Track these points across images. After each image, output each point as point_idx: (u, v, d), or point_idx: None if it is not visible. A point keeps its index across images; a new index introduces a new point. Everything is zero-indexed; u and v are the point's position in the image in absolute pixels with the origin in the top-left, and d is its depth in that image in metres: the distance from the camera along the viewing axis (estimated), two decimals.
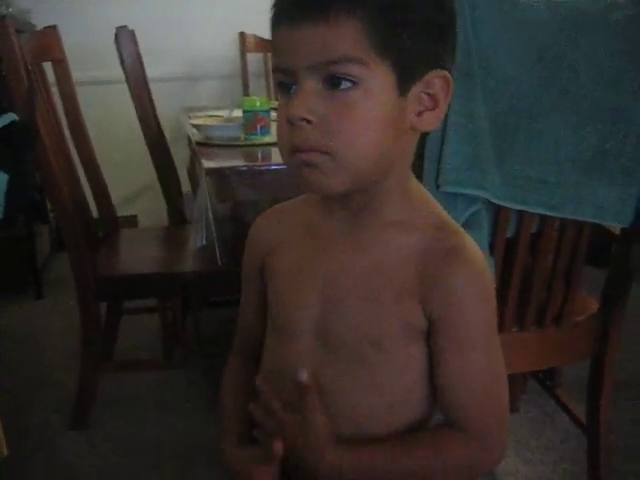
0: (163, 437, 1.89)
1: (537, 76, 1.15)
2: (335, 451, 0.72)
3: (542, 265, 1.33)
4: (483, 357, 0.73)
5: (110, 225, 2.19)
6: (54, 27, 2.07)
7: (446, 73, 0.69)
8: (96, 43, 2.83)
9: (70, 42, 2.12)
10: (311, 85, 0.66)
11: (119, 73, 2.37)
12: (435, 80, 0.68)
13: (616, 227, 1.34)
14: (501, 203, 1.19)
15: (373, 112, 0.66)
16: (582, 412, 1.58)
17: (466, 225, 1.18)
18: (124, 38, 2.35)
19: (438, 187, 1.12)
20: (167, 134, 2.61)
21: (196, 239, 1.50)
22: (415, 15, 0.65)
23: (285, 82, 0.69)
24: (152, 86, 2.55)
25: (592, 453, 1.54)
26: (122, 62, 2.34)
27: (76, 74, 2.11)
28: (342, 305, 0.74)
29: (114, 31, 2.32)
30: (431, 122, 0.70)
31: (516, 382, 1.93)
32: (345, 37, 0.63)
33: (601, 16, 1.16)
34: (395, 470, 0.73)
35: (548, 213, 1.23)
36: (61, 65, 2.04)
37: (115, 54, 2.34)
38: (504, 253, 1.29)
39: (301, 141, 0.67)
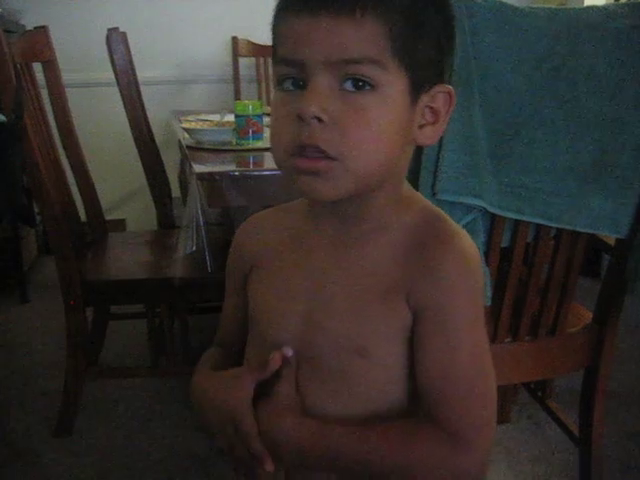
0: (149, 445, 1.86)
1: (535, 85, 1.13)
2: (296, 418, 0.69)
3: (537, 275, 1.32)
4: (469, 346, 0.69)
5: (98, 229, 2.16)
6: (44, 27, 2.04)
7: (451, 88, 0.68)
8: (87, 45, 2.82)
9: (61, 43, 2.10)
10: (325, 82, 0.63)
11: (110, 75, 2.35)
12: (439, 94, 0.67)
13: (611, 238, 1.33)
14: (497, 212, 1.18)
15: (387, 118, 0.64)
16: (574, 423, 1.57)
17: None
18: (115, 40, 2.33)
19: (434, 195, 1.11)
20: (158, 138, 2.58)
21: (185, 245, 1.48)
22: (431, 26, 0.65)
23: (290, 76, 0.65)
24: (143, 89, 2.52)
25: (584, 465, 1.52)
26: (113, 64, 2.31)
27: (66, 76, 2.09)
28: (323, 315, 0.72)
29: (105, 33, 2.30)
30: (431, 136, 0.69)
31: (507, 393, 1.92)
32: (368, 37, 0.61)
33: (600, 25, 1.15)
34: (354, 451, 0.68)
35: (544, 223, 1.22)
36: (51, 66, 2.02)
37: (106, 56, 2.31)
38: (499, 263, 1.27)
39: (308, 140, 0.63)
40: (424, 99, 0.67)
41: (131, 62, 2.43)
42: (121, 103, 2.35)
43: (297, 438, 0.69)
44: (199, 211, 1.44)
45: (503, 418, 1.93)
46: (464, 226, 1.15)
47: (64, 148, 2.06)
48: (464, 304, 0.68)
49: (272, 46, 0.68)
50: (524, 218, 1.21)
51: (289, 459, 0.70)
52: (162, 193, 2.44)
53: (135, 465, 1.78)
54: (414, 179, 1.15)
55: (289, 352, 0.71)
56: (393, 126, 0.65)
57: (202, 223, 1.44)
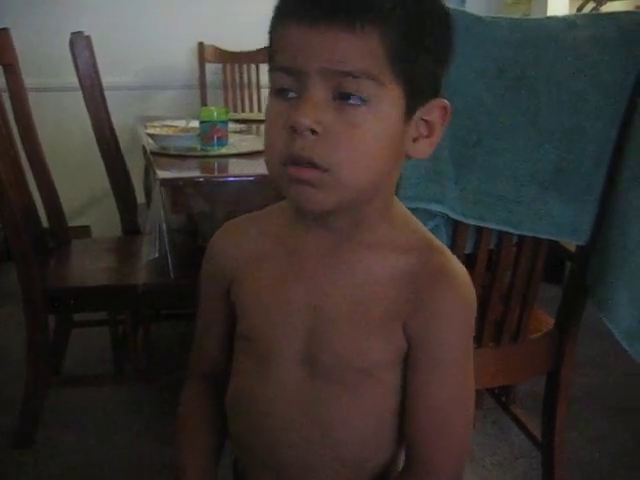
0: (112, 455, 1.83)
1: (497, 93, 1.15)
2: None
3: (499, 281, 1.33)
4: (455, 385, 0.72)
5: (61, 235, 2.13)
6: (5, 30, 2.01)
7: (446, 103, 0.67)
8: (50, 48, 2.78)
9: (23, 47, 2.06)
10: (320, 92, 0.62)
11: (73, 80, 2.32)
12: (435, 107, 0.67)
13: (572, 245, 1.35)
14: (459, 219, 1.19)
15: (379, 133, 0.63)
16: (537, 429, 1.58)
17: None
18: (79, 44, 2.30)
19: None
20: (123, 144, 2.56)
21: (148, 251, 1.46)
22: (432, 40, 0.64)
23: (285, 85, 0.65)
24: (108, 94, 2.50)
25: (547, 470, 1.54)
26: (77, 69, 2.29)
27: (29, 80, 2.06)
28: (328, 333, 0.72)
29: (69, 37, 2.27)
30: (424, 150, 0.68)
31: None
32: (367, 50, 0.60)
33: (561, 35, 1.16)
34: None
35: (506, 229, 1.23)
36: (12, 70, 1.99)
37: (70, 60, 2.28)
38: None
39: (301, 151, 0.63)
40: (419, 112, 0.66)
41: (95, 67, 2.41)
42: (85, 108, 2.33)
43: None
44: (162, 217, 1.43)
45: None
46: None
47: (26, 153, 2.03)
48: (457, 343, 0.71)
49: (268, 52, 0.68)
50: (486, 225, 1.22)
51: None
52: (126, 199, 2.42)
53: (98, 476, 1.75)
54: None
55: None
56: (384, 140, 0.64)
57: (165, 229, 1.43)
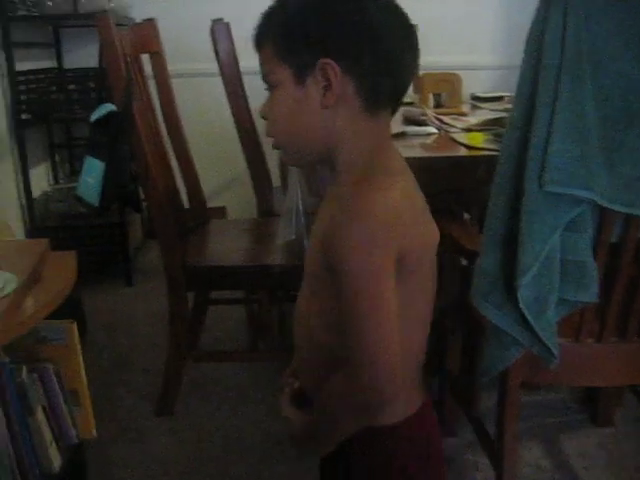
0: (245, 427, 1.90)
1: None
2: (290, 409, 1.01)
3: None
4: (346, 294, 0.83)
5: (200, 215, 2.21)
6: (152, 20, 2.10)
7: (328, 60, 0.85)
8: (192, 36, 2.88)
9: (167, 35, 2.15)
10: (268, 91, 0.92)
11: (214, 66, 2.40)
12: (326, 66, 0.86)
13: None
14: (608, 205, 1.13)
15: (283, 103, 0.90)
16: None
17: (569, 228, 1.12)
18: (219, 31, 2.37)
19: (541, 186, 1.07)
20: (259, 128, 2.61)
21: (285, 232, 1.49)
22: (301, 29, 0.88)
23: None
24: (246, 79, 2.56)
25: None
26: (217, 55, 2.36)
27: (172, 66, 2.15)
28: (308, 252, 0.95)
29: (210, 24, 2.34)
30: (330, 98, 0.87)
31: (611, 395, 1.84)
32: (266, 58, 0.91)
33: None
34: (321, 420, 0.94)
35: None
36: (158, 57, 2.08)
37: (210, 47, 2.36)
38: (608, 259, 1.22)
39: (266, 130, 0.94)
40: (315, 75, 0.87)
41: (234, 52, 2.47)
42: (224, 93, 2.40)
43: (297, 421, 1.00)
44: (299, 200, 1.45)
45: (607, 422, 1.86)
46: (571, 219, 1.11)
47: (169, 137, 2.12)
48: (349, 260, 0.82)
49: None
50: (636, 212, 1.15)
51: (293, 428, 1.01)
52: (263, 182, 2.47)
53: (231, 447, 1.83)
54: (520, 170, 1.11)
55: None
56: (288, 106, 0.90)
57: (302, 211, 1.45)
